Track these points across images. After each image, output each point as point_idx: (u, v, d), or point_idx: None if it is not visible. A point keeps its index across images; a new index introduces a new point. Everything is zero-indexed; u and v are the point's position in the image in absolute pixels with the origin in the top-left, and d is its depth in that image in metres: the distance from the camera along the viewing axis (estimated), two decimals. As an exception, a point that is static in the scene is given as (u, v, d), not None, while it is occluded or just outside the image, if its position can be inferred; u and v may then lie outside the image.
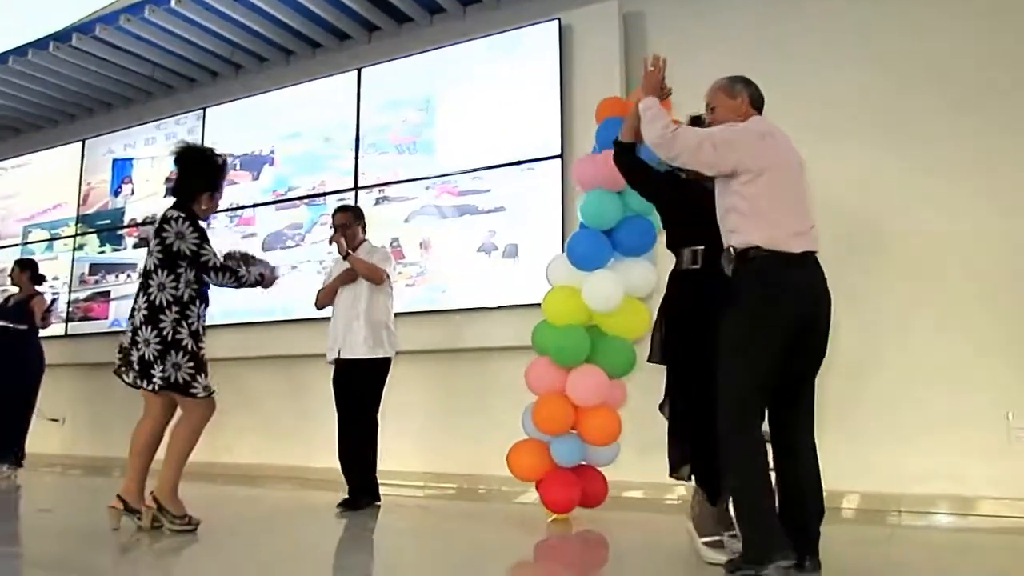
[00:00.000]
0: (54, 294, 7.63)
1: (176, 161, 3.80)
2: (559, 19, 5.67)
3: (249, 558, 3.17)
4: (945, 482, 4.34)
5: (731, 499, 2.75)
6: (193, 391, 3.46)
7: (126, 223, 7.62)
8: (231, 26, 6.57)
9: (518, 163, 5.64)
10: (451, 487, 5.66)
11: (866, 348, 4.64)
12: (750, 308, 2.68)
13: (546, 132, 5.57)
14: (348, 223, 4.72)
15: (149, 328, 3.44)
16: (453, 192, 5.92)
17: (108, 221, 7.75)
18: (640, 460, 4.35)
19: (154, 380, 3.42)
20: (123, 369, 3.52)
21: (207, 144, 6.98)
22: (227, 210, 6.77)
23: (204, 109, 7.25)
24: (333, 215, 4.86)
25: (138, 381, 3.46)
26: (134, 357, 3.46)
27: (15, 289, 6.41)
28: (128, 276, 7.45)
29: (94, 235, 7.80)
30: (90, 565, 3.04)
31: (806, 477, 2.76)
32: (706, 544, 2.89)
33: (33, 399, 6.15)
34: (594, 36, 5.60)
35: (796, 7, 5.15)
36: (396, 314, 5.96)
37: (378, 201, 6.20)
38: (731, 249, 2.78)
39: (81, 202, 7.94)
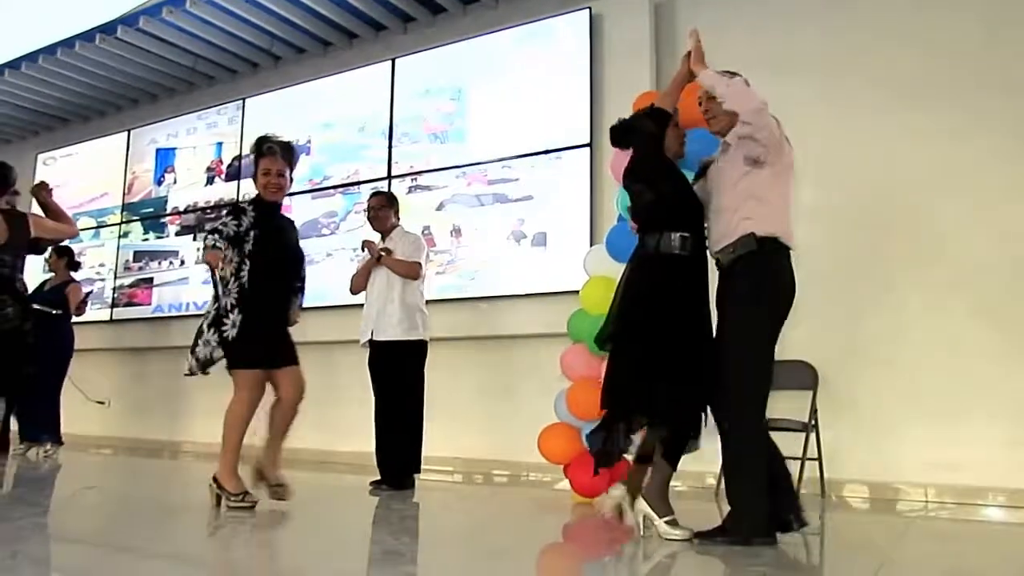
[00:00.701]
0: (100, 280, 7.87)
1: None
2: (589, 8, 5.68)
3: (304, 536, 3.24)
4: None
5: (736, 480, 2.80)
6: None
7: (168, 211, 7.82)
8: (270, 17, 6.70)
9: (547, 152, 5.68)
10: (479, 472, 5.73)
11: (897, 336, 4.62)
12: (769, 298, 2.81)
13: (575, 121, 5.59)
14: (382, 205, 4.81)
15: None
16: (484, 181, 5.97)
17: (151, 209, 7.97)
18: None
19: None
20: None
21: (246, 133, 7.20)
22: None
23: (244, 99, 7.41)
24: (368, 200, 4.96)
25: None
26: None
27: (51, 274, 6.54)
28: (170, 263, 7.65)
29: (138, 223, 8.02)
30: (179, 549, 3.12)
31: (775, 448, 2.94)
32: (668, 523, 2.87)
33: (58, 381, 6.26)
34: (624, 25, 5.60)
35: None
36: (427, 301, 6.09)
37: (411, 189, 6.28)
38: (752, 236, 2.81)
39: (126, 191, 8.17)
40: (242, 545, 2.99)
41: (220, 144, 7.55)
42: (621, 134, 3.19)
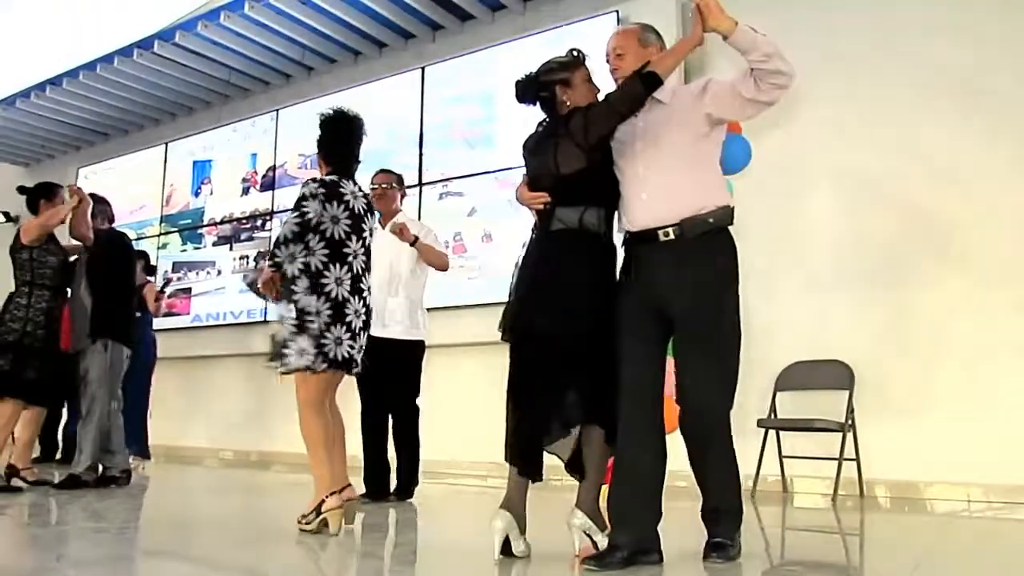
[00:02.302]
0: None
1: (354, 128, 3.35)
2: (617, 11, 5.69)
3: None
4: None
5: (728, 476, 2.50)
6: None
7: (205, 222, 7.96)
8: (302, 29, 6.81)
9: (578, 155, 5.68)
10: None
11: (935, 335, 4.56)
12: (735, 278, 2.50)
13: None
14: (391, 183, 4.39)
15: (357, 299, 3.16)
16: (515, 186, 5.98)
17: (189, 220, 8.11)
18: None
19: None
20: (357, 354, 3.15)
21: (280, 144, 7.31)
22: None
23: (277, 111, 7.52)
24: (374, 177, 4.37)
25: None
26: (362, 342, 3.16)
27: None
28: (207, 273, 7.78)
29: (176, 234, 8.17)
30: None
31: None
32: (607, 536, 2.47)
33: (141, 389, 6.07)
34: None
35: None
36: (459, 306, 6.13)
37: (442, 196, 6.33)
38: (729, 209, 2.48)
39: (164, 203, 8.33)
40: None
41: (255, 155, 7.67)
42: (528, 88, 2.74)
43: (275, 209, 7.37)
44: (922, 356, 4.59)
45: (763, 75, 2.39)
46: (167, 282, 7.12)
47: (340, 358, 3.03)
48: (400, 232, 4.20)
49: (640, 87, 2.43)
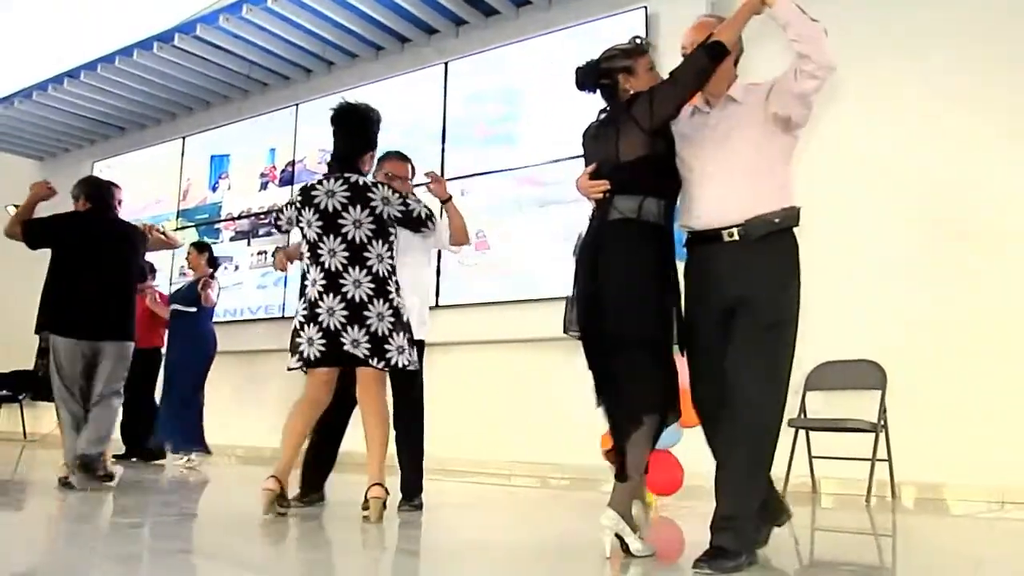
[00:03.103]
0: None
1: (339, 122, 3.37)
2: (645, 7, 5.65)
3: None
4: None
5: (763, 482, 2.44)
6: (411, 370, 3.29)
7: (223, 217, 7.92)
8: (324, 23, 6.78)
9: (603, 152, 5.64)
10: (534, 477, 5.70)
11: (967, 335, 4.52)
12: (797, 279, 2.43)
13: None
14: (405, 176, 3.76)
15: (381, 302, 3.17)
16: (537, 183, 5.96)
17: (206, 215, 8.08)
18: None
19: (388, 356, 3.16)
20: (333, 351, 3.16)
21: (299, 139, 7.27)
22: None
23: (297, 106, 7.49)
24: (385, 161, 3.74)
25: (371, 360, 3.15)
26: (355, 336, 3.13)
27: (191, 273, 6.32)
28: (224, 268, 7.73)
29: (193, 228, 8.13)
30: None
31: None
32: (640, 538, 2.47)
33: (197, 384, 5.96)
34: (681, 24, 5.45)
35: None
36: (481, 303, 6.10)
37: (463, 192, 6.28)
38: (796, 210, 2.42)
39: (182, 197, 8.30)
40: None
41: (273, 150, 7.63)
42: (589, 75, 2.67)
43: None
44: (955, 356, 4.54)
45: (798, 60, 2.34)
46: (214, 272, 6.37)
47: (312, 358, 3.18)
48: (435, 183, 3.77)
49: (705, 58, 2.37)
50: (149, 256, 5.50)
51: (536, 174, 5.97)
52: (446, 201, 3.76)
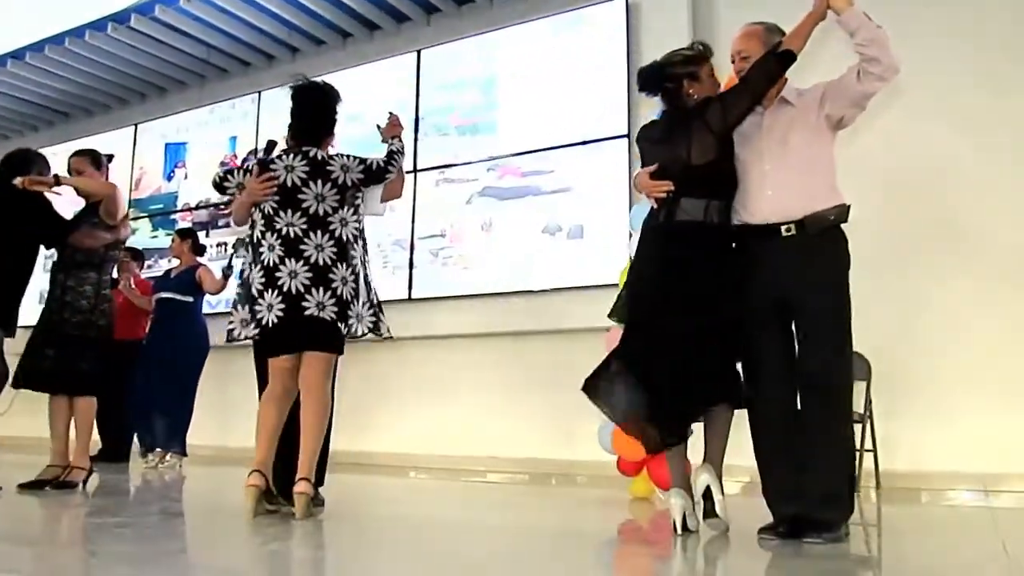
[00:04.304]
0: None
1: (302, 97, 3.29)
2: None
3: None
4: None
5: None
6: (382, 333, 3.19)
7: (179, 207, 7.61)
8: (290, 7, 6.55)
9: (584, 143, 5.58)
10: (522, 471, 5.58)
11: (950, 326, 4.57)
12: (848, 270, 2.67)
13: (613, 112, 5.49)
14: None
15: (344, 266, 3.05)
16: (516, 173, 5.85)
17: (161, 205, 7.75)
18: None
19: (350, 324, 3.03)
20: (294, 315, 2.97)
21: (262, 127, 7.02)
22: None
23: (259, 93, 7.22)
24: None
25: (338, 323, 3.01)
26: (320, 299, 2.98)
27: (176, 262, 5.96)
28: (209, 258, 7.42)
29: (146, 219, 7.80)
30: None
31: None
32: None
33: (194, 380, 5.61)
34: (662, 13, 5.51)
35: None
36: (456, 296, 5.97)
37: (438, 183, 6.15)
38: (846, 208, 2.64)
39: (133, 187, 7.94)
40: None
41: (234, 138, 7.36)
42: (652, 78, 2.78)
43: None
44: (938, 347, 4.59)
45: (864, 63, 2.52)
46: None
47: (270, 324, 3.04)
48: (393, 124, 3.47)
49: (777, 65, 2.58)
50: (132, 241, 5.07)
51: (515, 164, 5.86)
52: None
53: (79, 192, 4.04)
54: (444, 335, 5.95)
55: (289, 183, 3.09)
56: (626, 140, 5.39)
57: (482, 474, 5.59)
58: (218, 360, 5.74)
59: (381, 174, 3.23)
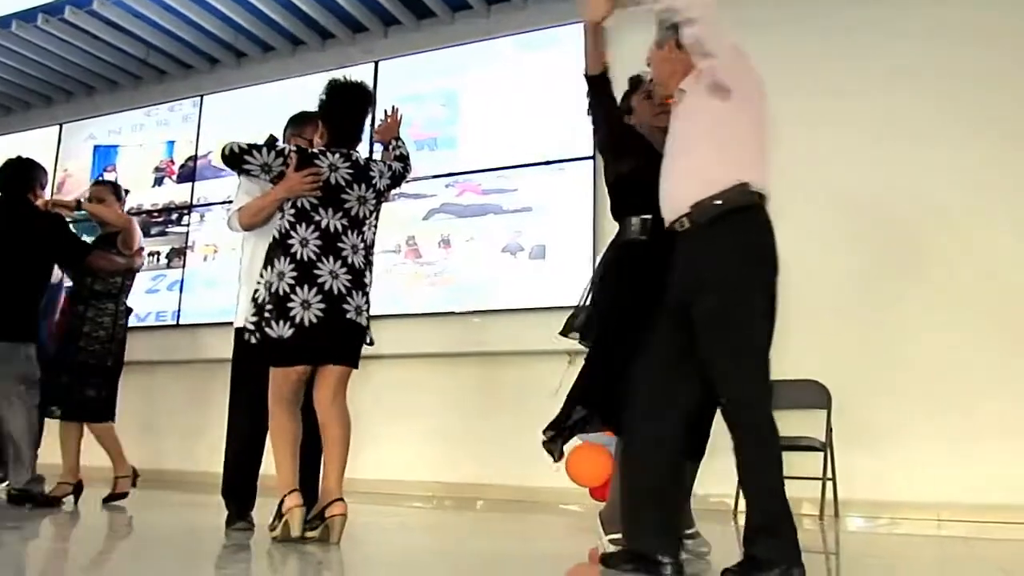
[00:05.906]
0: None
1: (344, 96, 3.17)
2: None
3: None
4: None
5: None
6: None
7: (107, 213, 7.18)
8: (238, 8, 6.27)
9: (548, 163, 5.52)
10: (470, 496, 5.41)
11: (909, 356, 4.66)
12: (750, 262, 2.34)
13: (577, 132, 5.43)
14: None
15: (370, 271, 3.02)
16: (476, 191, 5.74)
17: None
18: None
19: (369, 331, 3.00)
20: (333, 319, 2.84)
21: (203, 132, 6.71)
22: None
23: (201, 97, 6.92)
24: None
25: (368, 331, 2.97)
26: (359, 302, 2.91)
27: None
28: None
29: (70, 226, 7.31)
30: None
31: None
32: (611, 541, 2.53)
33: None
34: (628, 34, 5.48)
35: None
36: (413, 315, 5.79)
37: (395, 197, 5.96)
38: (746, 187, 2.26)
39: (56, 190, 7.45)
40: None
41: (171, 143, 7.01)
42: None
43: (195, 202, 6.74)
44: (897, 377, 4.66)
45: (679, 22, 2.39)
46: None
47: (307, 323, 2.91)
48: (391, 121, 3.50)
49: (594, 89, 2.74)
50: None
51: (476, 181, 5.75)
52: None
53: (96, 219, 4.35)
54: (396, 354, 5.75)
55: (333, 181, 2.97)
56: (591, 162, 5.35)
57: (430, 500, 5.40)
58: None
59: (399, 181, 3.21)
